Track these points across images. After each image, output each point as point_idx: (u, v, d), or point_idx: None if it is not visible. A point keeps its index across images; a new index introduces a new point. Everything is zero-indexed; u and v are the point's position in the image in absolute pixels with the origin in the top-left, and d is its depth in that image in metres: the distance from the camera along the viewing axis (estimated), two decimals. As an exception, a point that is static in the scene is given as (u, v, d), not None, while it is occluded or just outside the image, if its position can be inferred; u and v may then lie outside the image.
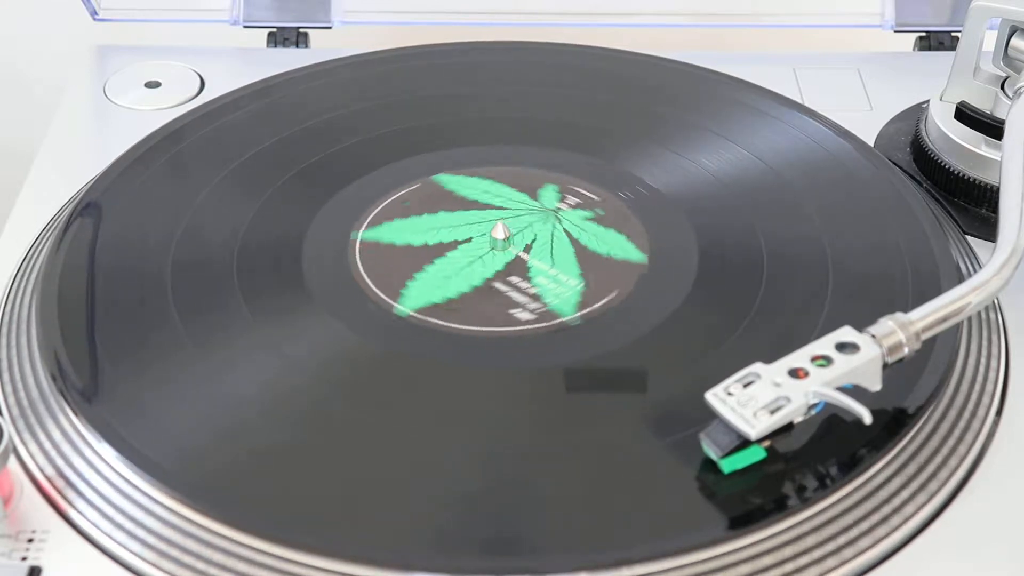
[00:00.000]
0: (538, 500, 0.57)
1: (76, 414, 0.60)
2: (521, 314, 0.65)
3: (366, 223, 0.70)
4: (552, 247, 0.68)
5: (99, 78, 0.84)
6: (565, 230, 0.69)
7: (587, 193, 0.71)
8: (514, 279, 0.67)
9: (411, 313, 0.65)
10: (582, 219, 0.70)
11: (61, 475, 0.59)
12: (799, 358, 0.58)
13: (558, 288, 0.66)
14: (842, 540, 0.56)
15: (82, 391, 0.61)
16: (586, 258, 0.68)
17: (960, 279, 0.66)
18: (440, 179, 0.72)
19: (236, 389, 0.61)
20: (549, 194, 0.72)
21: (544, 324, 0.64)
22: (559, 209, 0.71)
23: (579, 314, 0.65)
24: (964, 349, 0.63)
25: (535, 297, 0.66)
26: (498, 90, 0.80)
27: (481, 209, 0.71)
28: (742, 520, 0.55)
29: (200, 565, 0.55)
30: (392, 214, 0.71)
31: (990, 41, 0.74)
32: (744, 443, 0.56)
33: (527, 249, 0.68)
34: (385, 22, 0.90)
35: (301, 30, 0.88)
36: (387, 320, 0.65)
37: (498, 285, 0.67)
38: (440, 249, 0.69)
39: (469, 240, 0.69)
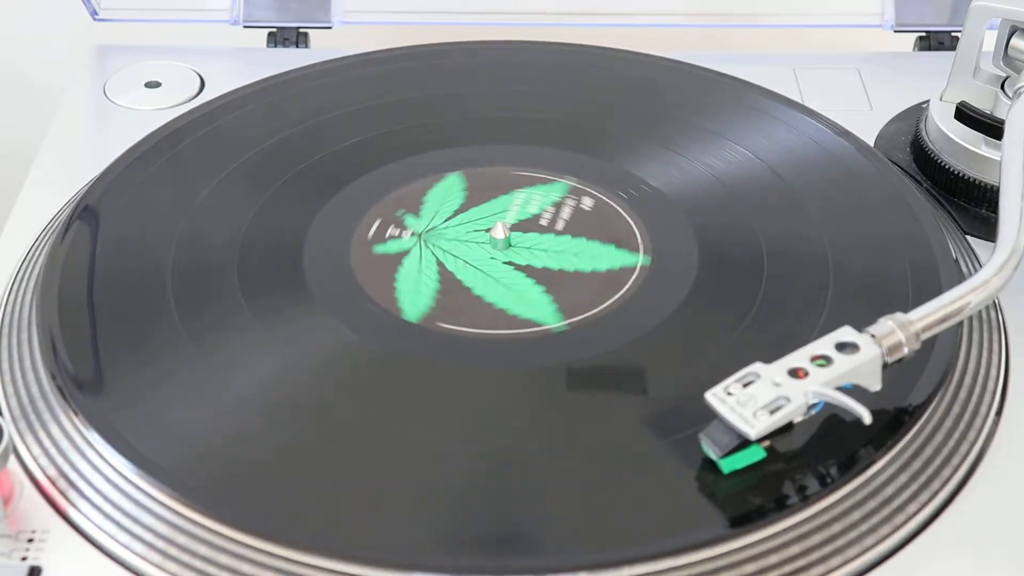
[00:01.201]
0: (538, 500, 0.57)
1: (76, 414, 0.60)
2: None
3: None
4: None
5: (99, 78, 0.84)
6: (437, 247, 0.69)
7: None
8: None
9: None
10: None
11: (61, 475, 0.59)
12: (799, 358, 0.58)
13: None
14: (842, 540, 0.56)
15: (82, 391, 0.61)
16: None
17: (960, 279, 0.66)
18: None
19: (236, 389, 0.61)
20: (412, 219, 0.71)
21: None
22: (429, 230, 0.70)
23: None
24: (964, 349, 0.63)
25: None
26: (498, 90, 0.80)
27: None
28: (742, 520, 0.55)
29: (201, 565, 0.55)
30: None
31: (990, 41, 0.74)
32: (744, 443, 0.56)
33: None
34: (385, 22, 0.90)
35: (301, 30, 0.88)
36: (387, 320, 0.65)
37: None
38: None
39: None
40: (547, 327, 0.64)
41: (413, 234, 0.69)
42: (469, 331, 0.64)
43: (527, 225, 0.70)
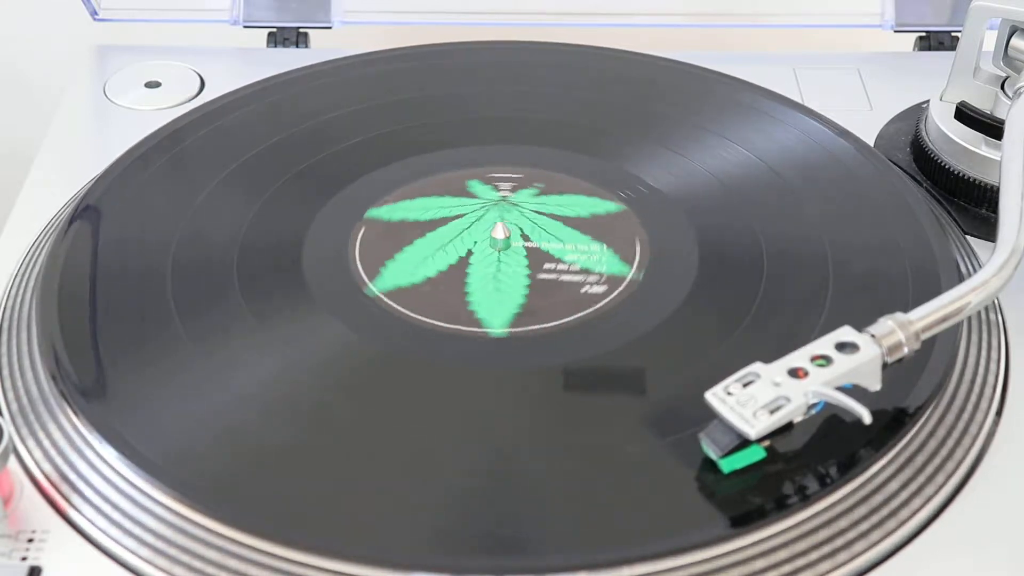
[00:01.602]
0: (538, 500, 0.57)
1: (76, 414, 0.60)
2: (592, 289, 0.66)
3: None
4: (540, 228, 0.69)
5: (99, 78, 0.84)
6: (533, 210, 0.70)
7: (509, 174, 0.72)
8: (549, 266, 0.67)
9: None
10: (532, 197, 0.70)
11: (61, 475, 0.59)
12: (799, 358, 0.58)
13: (593, 256, 0.67)
14: (842, 540, 0.56)
15: (82, 391, 0.61)
16: (579, 225, 0.69)
17: (960, 279, 0.66)
18: (374, 214, 0.71)
19: (236, 389, 0.61)
20: (479, 187, 0.72)
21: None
22: (504, 197, 0.71)
23: (642, 273, 0.66)
24: (964, 349, 0.63)
25: (585, 271, 0.67)
26: (498, 90, 0.80)
27: (442, 225, 0.70)
28: (742, 520, 0.55)
29: (199, 565, 0.55)
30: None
31: (990, 41, 0.74)
32: (744, 443, 0.56)
33: (525, 238, 0.69)
34: (385, 22, 0.90)
35: (301, 30, 0.88)
36: (387, 320, 0.65)
37: (543, 277, 0.67)
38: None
39: (463, 216, 0.70)
40: (548, 326, 0.64)
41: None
42: (469, 331, 0.64)
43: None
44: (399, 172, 0.73)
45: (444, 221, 0.70)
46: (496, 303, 0.65)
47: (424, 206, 0.71)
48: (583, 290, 0.66)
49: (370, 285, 0.66)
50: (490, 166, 0.73)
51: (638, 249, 0.69)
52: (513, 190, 0.72)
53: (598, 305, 0.65)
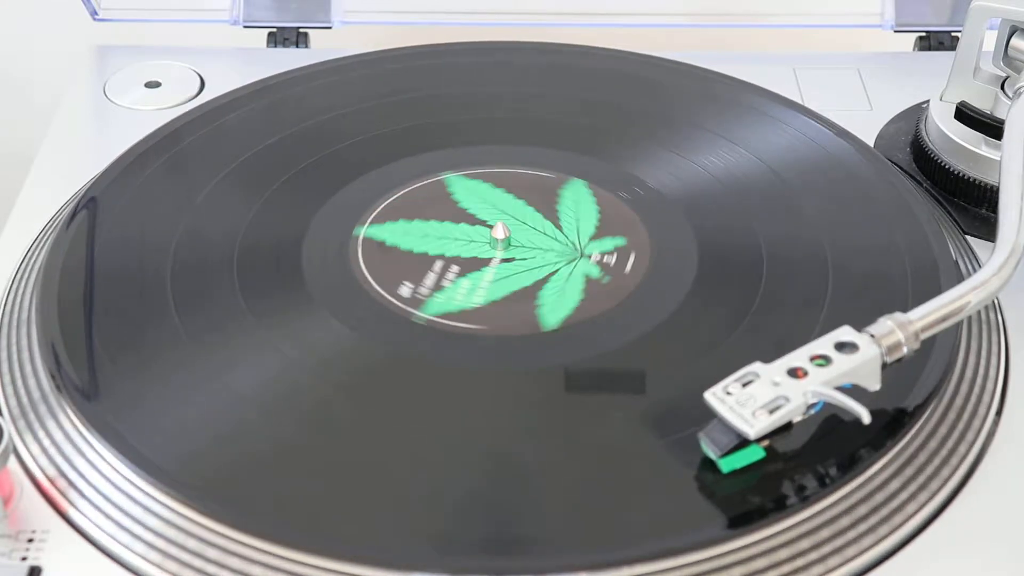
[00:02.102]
0: (538, 500, 0.57)
1: (76, 414, 0.60)
2: (403, 290, 0.66)
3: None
4: (521, 273, 0.68)
5: (99, 78, 0.84)
6: (557, 271, 0.68)
7: (630, 261, 0.68)
8: (453, 268, 0.67)
9: (359, 236, 0.67)
10: (582, 273, 0.68)
11: (61, 475, 0.59)
12: (798, 357, 0.58)
13: (461, 296, 0.66)
14: (842, 540, 0.56)
15: (82, 391, 0.61)
16: (522, 295, 0.66)
17: (960, 279, 0.66)
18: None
19: (236, 389, 0.61)
20: (606, 243, 0.69)
21: (401, 307, 0.64)
22: (588, 257, 0.69)
23: (427, 317, 0.64)
24: (964, 349, 0.63)
25: (435, 288, 0.66)
26: (498, 90, 0.80)
27: (545, 217, 0.70)
28: (741, 520, 0.55)
29: (200, 565, 0.55)
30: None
31: (990, 41, 0.74)
32: (743, 442, 0.56)
33: (507, 260, 0.68)
34: (385, 22, 0.90)
35: (301, 30, 0.88)
36: (387, 319, 0.65)
37: (437, 263, 0.67)
38: (460, 216, 0.70)
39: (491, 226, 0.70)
40: (548, 326, 0.64)
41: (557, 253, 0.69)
42: (469, 330, 0.64)
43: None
44: (399, 172, 0.73)
45: (475, 221, 0.70)
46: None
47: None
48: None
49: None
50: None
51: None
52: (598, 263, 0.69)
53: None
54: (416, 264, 0.67)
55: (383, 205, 0.71)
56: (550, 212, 0.71)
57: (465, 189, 0.72)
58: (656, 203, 0.71)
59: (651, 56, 0.82)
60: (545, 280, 0.67)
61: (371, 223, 0.69)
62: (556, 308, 0.65)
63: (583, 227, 0.70)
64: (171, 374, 0.62)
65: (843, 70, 0.85)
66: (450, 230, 0.69)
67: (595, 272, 0.67)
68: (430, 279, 0.66)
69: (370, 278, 0.67)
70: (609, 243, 0.69)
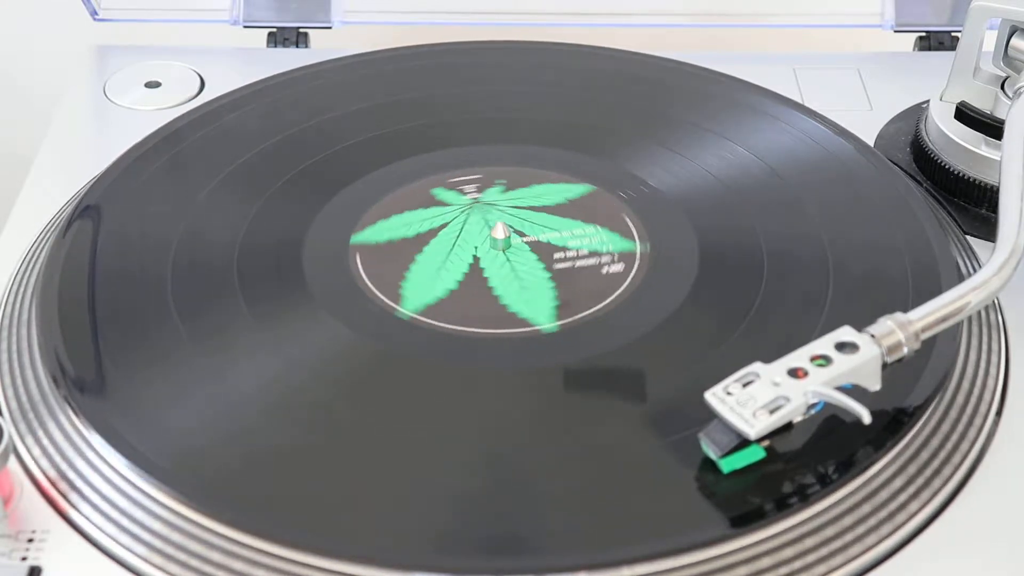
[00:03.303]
0: (538, 500, 0.57)
1: (76, 414, 0.60)
2: (612, 269, 0.67)
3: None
4: (528, 222, 0.69)
5: (99, 78, 0.84)
6: (511, 206, 0.70)
7: (468, 176, 0.72)
8: (558, 255, 0.68)
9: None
10: (501, 194, 0.70)
11: (61, 475, 0.59)
12: (798, 358, 0.58)
13: (593, 238, 0.68)
14: (842, 540, 0.56)
15: (82, 391, 0.61)
16: (562, 211, 0.69)
17: (960, 279, 0.66)
18: (360, 240, 0.70)
19: (236, 389, 0.61)
20: (446, 194, 0.72)
21: (630, 266, 0.66)
22: (476, 200, 0.71)
23: (647, 244, 0.67)
24: (964, 349, 0.63)
25: (594, 253, 0.67)
26: (498, 90, 0.80)
27: (432, 237, 0.70)
28: (742, 520, 0.55)
29: (200, 565, 0.55)
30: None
31: (990, 41, 0.74)
32: (743, 443, 0.56)
33: (520, 234, 0.69)
34: (385, 22, 0.90)
35: (301, 30, 0.88)
36: (387, 320, 0.65)
37: (559, 267, 0.68)
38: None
39: (446, 225, 0.70)
40: (550, 326, 0.64)
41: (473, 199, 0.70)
42: (468, 330, 0.64)
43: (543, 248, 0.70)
44: (399, 172, 0.73)
45: (432, 233, 0.70)
46: (530, 300, 0.66)
47: (404, 222, 0.70)
48: (604, 271, 0.66)
49: (399, 309, 0.65)
50: (455, 170, 0.73)
51: (628, 222, 0.70)
52: (479, 191, 0.72)
53: (626, 283, 0.66)
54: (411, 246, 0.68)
55: (371, 211, 0.71)
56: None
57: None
58: (656, 203, 0.71)
59: (651, 56, 0.82)
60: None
61: (361, 229, 0.69)
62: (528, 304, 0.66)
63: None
64: (171, 374, 0.62)
65: (843, 70, 0.85)
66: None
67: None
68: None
69: (368, 280, 0.67)
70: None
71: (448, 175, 0.73)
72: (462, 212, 0.70)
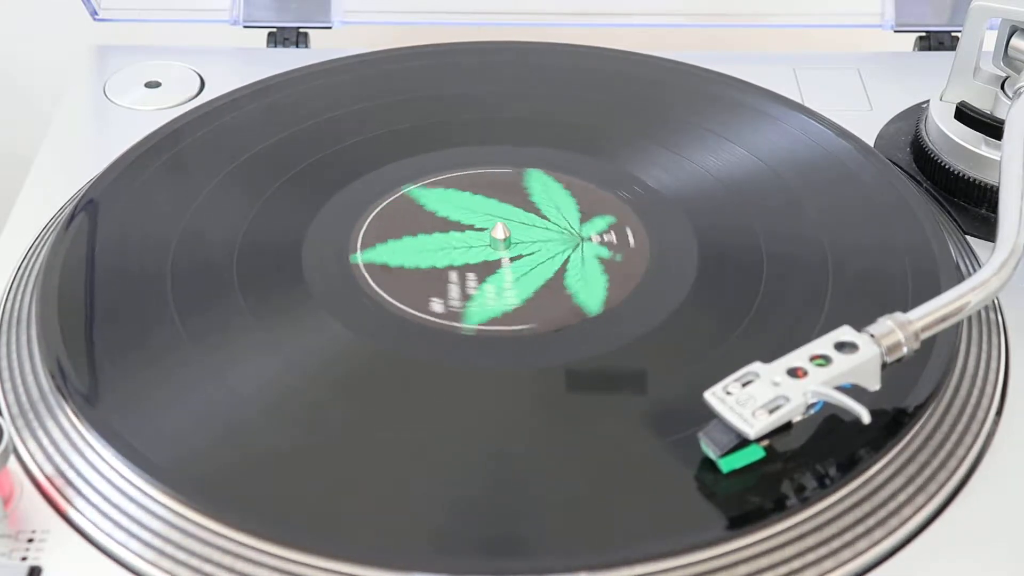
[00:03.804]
0: (538, 500, 0.57)
1: (76, 414, 0.60)
2: (435, 305, 0.65)
3: (424, 182, 0.71)
4: (537, 266, 0.68)
5: (99, 78, 0.84)
6: (569, 258, 0.68)
7: (630, 236, 0.69)
8: (470, 276, 0.67)
9: (358, 264, 0.66)
10: (594, 256, 0.68)
11: (61, 475, 0.59)
12: (798, 357, 0.58)
13: (493, 300, 0.66)
14: (842, 540, 0.56)
15: (82, 391, 0.61)
16: (551, 288, 0.67)
17: (960, 279, 0.66)
18: (528, 173, 0.71)
19: (236, 389, 0.61)
20: (598, 223, 0.70)
21: (440, 322, 0.64)
22: (589, 239, 0.69)
23: (476, 327, 0.64)
24: (964, 349, 0.63)
25: (465, 297, 0.66)
26: (498, 90, 0.80)
27: (527, 211, 0.70)
28: (741, 520, 0.55)
29: (200, 565, 0.55)
30: (456, 183, 0.71)
31: (990, 41, 0.74)
32: (743, 442, 0.56)
33: (515, 258, 0.68)
34: (385, 22, 0.90)
35: (301, 30, 0.88)
36: (387, 320, 0.65)
37: (451, 274, 0.67)
38: (450, 226, 0.69)
39: (483, 230, 0.69)
40: (593, 312, 0.65)
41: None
42: (470, 329, 0.64)
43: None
44: (399, 172, 0.73)
45: (463, 227, 0.70)
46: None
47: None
48: (431, 298, 0.66)
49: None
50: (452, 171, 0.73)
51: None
52: (602, 243, 0.70)
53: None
54: (430, 279, 0.67)
55: (367, 224, 0.70)
56: (528, 205, 0.71)
57: (435, 199, 0.72)
58: (656, 203, 0.71)
59: (651, 56, 0.82)
60: (563, 269, 0.67)
61: (364, 248, 0.69)
62: (589, 293, 0.66)
63: (567, 213, 0.71)
64: (171, 374, 0.62)
65: (843, 70, 0.85)
66: (446, 240, 0.69)
67: (604, 253, 0.68)
68: (454, 291, 0.66)
69: (372, 281, 0.67)
70: (600, 222, 0.70)
71: (440, 175, 0.73)
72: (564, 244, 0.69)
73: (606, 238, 0.69)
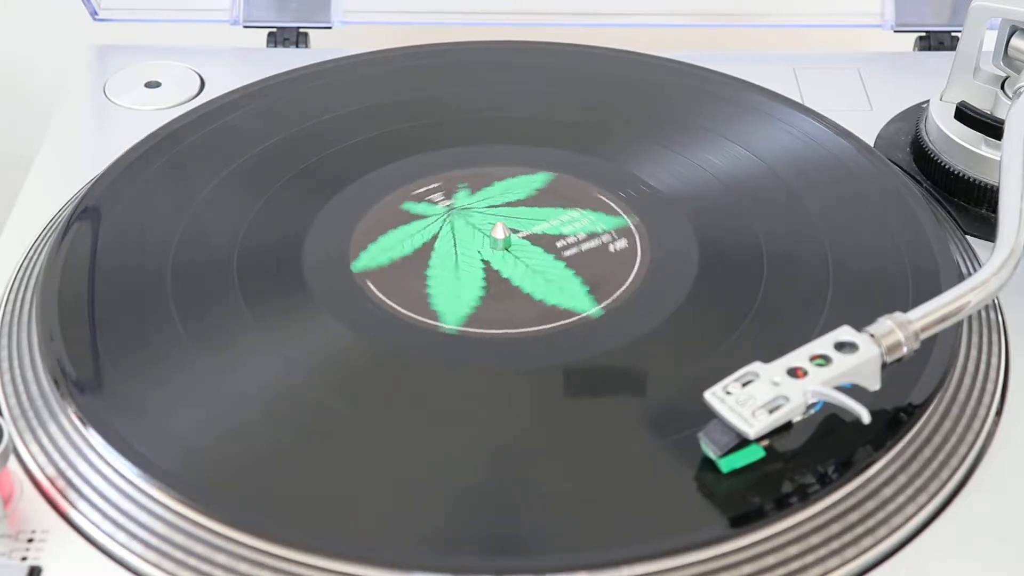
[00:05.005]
0: (538, 500, 0.57)
1: (76, 414, 0.60)
2: (617, 246, 0.67)
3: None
4: (513, 218, 0.70)
5: (99, 78, 0.84)
6: (486, 207, 0.70)
7: (427, 186, 0.71)
8: (560, 244, 0.69)
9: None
10: (469, 197, 0.70)
11: (61, 475, 0.59)
12: (798, 357, 0.58)
13: (583, 220, 0.69)
14: (842, 540, 0.56)
15: (82, 391, 0.61)
16: (537, 201, 0.70)
17: (960, 279, 0.66)
18: (363, 267, 0.69)
19: (236, 389, 0.61)
20: (418, 207, 0.71)
21: (633, 240, 0.67)
22: (451, 207, 0.71)
23: (636, 217, 0.67)
24: (964, 349, 0.63)
25: (593, 234, 0.68)
26: (498, 90, 0.80)
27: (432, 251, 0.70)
28: (741, 520, 0.55)
29: (200, 565, 0.55)
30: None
31: (990, 41, 0.74)
32: (743, 442, 0.56)
33: (513, 231, 0.69)
34: (385, 22, 0.90)
35: (301, 30, 0.88)
36: (387, 320, 0.65)
37: (568, 253, 0.68)
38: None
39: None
40: (595, 310, 0.65)
41: (448, 206, 0.70)
42: (468, 330, 0.64)
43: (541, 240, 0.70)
44: (399, 172, 0.73)
45: (428, 249, 0.69)
46: (558, 290, 0.66)
47: (396, 241, 0.70)
48: (611, 249, 0.67)
49: (443, 325, 0.64)
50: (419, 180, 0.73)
51: (605, 199, 0.71)
52: (448, 196, 0.71)
53: (639, 254, 0.67)
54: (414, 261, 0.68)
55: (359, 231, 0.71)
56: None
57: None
58: (656, 203, 0.71)
59: (651, 56, 0.82)
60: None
61: (357, 256, 0.69)
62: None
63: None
64: (171, 374, 0.62)
65: (843, 70, 0.85)
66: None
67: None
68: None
69: (371, 283, 0.67)
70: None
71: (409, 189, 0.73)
72: (442, 221, 0.70)
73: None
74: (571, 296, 0.65)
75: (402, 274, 0.67)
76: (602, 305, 0.65)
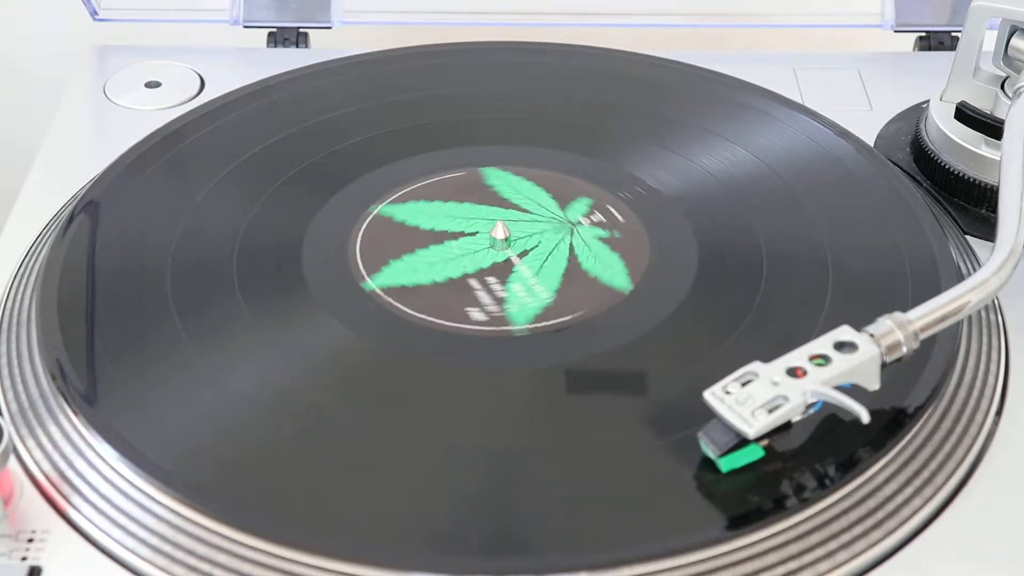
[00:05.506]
0: (538, 500, 0.57)
1: (76, 414, 0.60)
2: (476, 314, 0.65)
3: (390, 199, 0.70)
4: (548, 258, 0.68)
5: (99, 78, 0.84)
6: (571, 244, 0.69)
7: (615, 213, 0.70)
8: (490, 279, 0.67)
9: (375, 289, 0.65)
10: (594, 237, 0.69)
11: (61, 475, 0.59)
12: (797, 357, 0.58)
13: (527, 298, 0.66)
14: (842, 540, 0.56)
15: (82, 391, 0.61)
16: (573, 275, 0.67)
17: (960, 279, 0.66)
18: (485, 172, 0.73)
19: (236, 389, 0.61)
20: (578, 206, 0.71)
21: (491, 328, 0.64)
22: (579, 223, 0.70)
23: (528, 326, 0.64)
24: (964, 349, 0.63)
25: (499, 301, 0.65)
26: (498, 90, 0.80)
27: (506, 208, 0.71)
28: (741, 520, 0.55)
29: (199, 565, 0.55)
30: (420, 195, 0.71)
31: (990, 41, 0.74)
32: (742, 442, 0.56)
33: (522, 255, 0.68)
34: (385, 22, 0.90)
35: (301, 30, 0.88)
36: (387, 320, 0.65)
37: (472, 282, 0.66)
38: (442, 236, 0.69)
39: (475, 234, 0.69)
40: (626, 289, 0.65)
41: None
42: (468, 330, 0.64)
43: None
44: (399, 172, 0.73)
45: (456, 235, 0.69)
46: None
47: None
48: (468, 308, 0.65)
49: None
50: (451, 171, 0.73)
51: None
52: (593, 224, 0.70)
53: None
54: (455, 289, 0.66)
55: (411, 187, 0.71)
56: (502, 202, 0.71)
57: (405, 213, 0.71)
58: (656, 203, 0.71)
59: (651, 56, 0.82)
60: (573, 256, 0.68)
61: (372, 274, 0.68)
62: (612, 272, 0.67)
63: (544, 203, 0.71)
64: (171, 374, 0.62)
65: (843, 70, 0.85)
66: (447, 251, 0.69)
67: (602, 232, 0.69)
68: (485, 297, 0.66)
69: (366, 274, 0.67)
70: (580, 205, 0.71)
71: (438, 176, 0.73)
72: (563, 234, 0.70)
73: (594, 219, 0.70)
74: (617, 277, 0.66)
75: (396, 236, 0.67)
76: (634, 283, 0.65)
